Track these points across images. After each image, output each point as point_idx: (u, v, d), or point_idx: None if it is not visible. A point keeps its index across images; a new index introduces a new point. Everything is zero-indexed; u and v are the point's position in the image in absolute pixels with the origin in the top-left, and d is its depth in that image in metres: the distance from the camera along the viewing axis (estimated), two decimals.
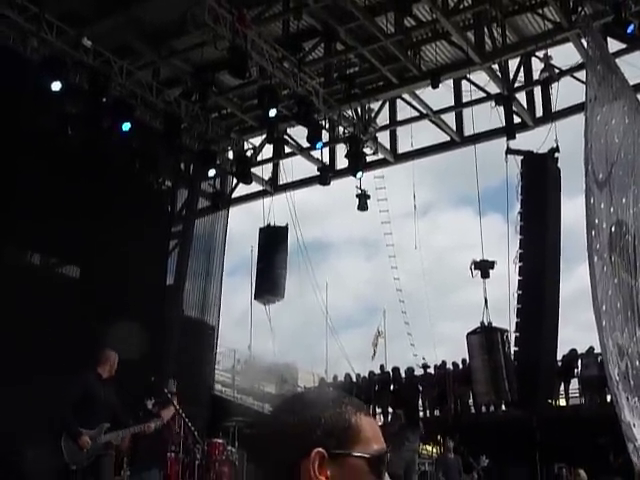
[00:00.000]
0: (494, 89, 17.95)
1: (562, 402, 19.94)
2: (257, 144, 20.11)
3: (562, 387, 19.74)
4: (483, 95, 18.32)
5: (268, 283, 20.26)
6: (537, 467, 18.11)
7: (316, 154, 19.87)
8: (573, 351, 19.61)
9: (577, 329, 46.97)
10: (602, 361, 18.11)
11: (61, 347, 14.25)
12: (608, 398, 18.14)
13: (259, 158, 20.76)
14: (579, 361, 19.53)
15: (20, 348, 13.64)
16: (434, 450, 20.53)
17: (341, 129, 18.31)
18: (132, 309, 16.16)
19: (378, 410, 20.99)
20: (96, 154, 16.45)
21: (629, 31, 14.71)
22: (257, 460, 1.59)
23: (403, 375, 21.60)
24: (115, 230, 16.43)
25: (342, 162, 19.64)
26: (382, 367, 23.33)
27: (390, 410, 19.92)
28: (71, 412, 8.89)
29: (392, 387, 21.75)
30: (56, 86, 14.14)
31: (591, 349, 19.27)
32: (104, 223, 16.52)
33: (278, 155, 20.64)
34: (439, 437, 19.51)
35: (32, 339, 13.87)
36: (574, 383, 19.89)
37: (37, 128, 15.37)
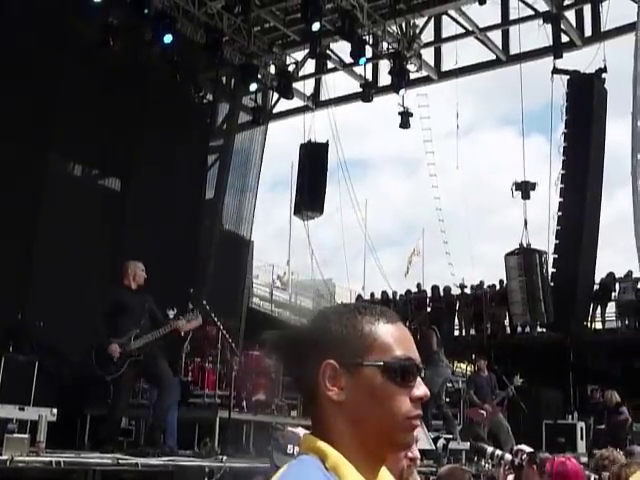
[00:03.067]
0: (542, 7, 17.45)
1: (598, 325, 19.99)
2: (299, 59, 19.88)
3: (599, 310, 19.75)
4: (531, 13, 17.85)
5: (308, 199, 20.30)
6: (570, 388, 18.29)
7: (359, 70, 19.60)
8: (611, 275, 19.57)
9: (616, 253, 46.74)
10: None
11: (100, 258, 14.56)
12: None
13: (301, 73, 20.54)
14: (617, 285, 19.50)
15: (60, 258, 13.93)
16: (468, 368, 20.77)
17: (385, 45, 17.99)
18: (171, 222, 16.34)
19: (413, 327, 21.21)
20: (138, 66, 16.46)
21: None
22: (288, 374, 1.64)
23: (441, 294, 21.76)
24: (155, 143, 16.53)
25: (385, 79, 19.44)
26: (419, 285, 23.50)
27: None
28: (102, 323, 9.13)
29: (429, 305, 21.94)
30: None
31: (629, 273, 19.22)
32: (144, 136, 16.63)
33: (320, 70, 20.37)
34: (473, 356, 19.71)
35: (72, 250, 14.15)
36: (611, 307, 19.89)
37: (80, 38, 15.38)
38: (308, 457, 1.48)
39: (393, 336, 1.52)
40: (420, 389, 1.52)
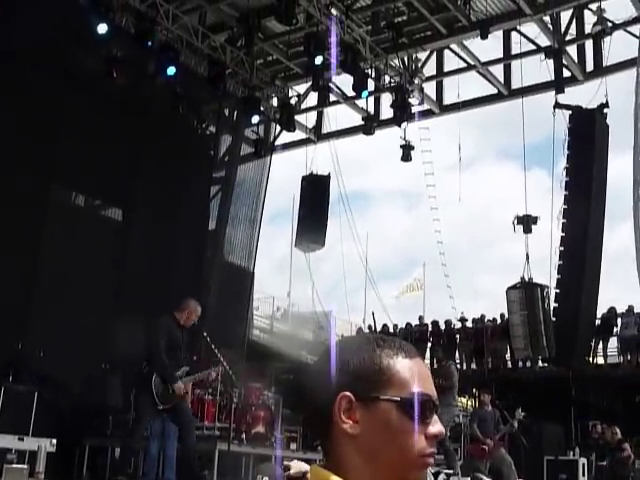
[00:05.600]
0: (544, 42, 17.62)
1: (600, 360, 19.89)
2: (302, 92, 20.01)
3: (601, 345, 19.65)
4: (533, 48, 18.00)
5: (309, 231, 20.30)
6: (572, 423, 18.16)
7: (361, 103, 19.74)
8: (612, 309, 19.49)
9: (618, 287, 46.62)
10: None
11: (101, 289, 14.55)
12: None
13: (303, 106, 20.67)
14: (618, 320, 19.43)
15: (61, 288, 13.93)
16: (469, 403, 20.64)
17: (387, 78, 18.11)
18: (173, 252, 16.34)
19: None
20: (141, 98, 16.54)
21: None
22: (295, 406, 1.60)
23: (442, 327, 21.71)
24: (158, 174, 16.58)
25: (387, 112, 19.52)
26: (421, 318, 23.43)
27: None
28: (165, 356, 9.16)
29: (429, 339, 21.86)
30: (102, 29, 14.15)
31: (631, 308, 19.15)
32: (147, 167, 16.68)
33: (323, 103, 20.51)
34: (474, 390, 19.59)
35: (73, 281, 14.14)
36: (613, 342, 19.79)
37: (83, 70, 15.47)
38: None
39: (411, 371, 1.49)
40: (436, 427, 1.49)
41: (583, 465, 15.69)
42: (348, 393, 1.46)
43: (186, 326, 9.56)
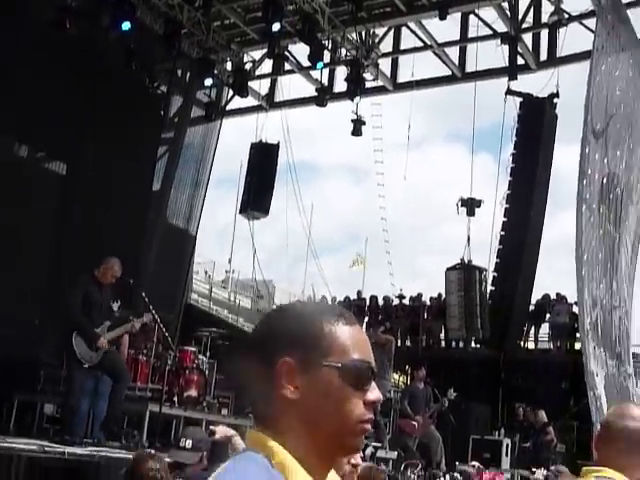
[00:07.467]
0: (501, 27, 17.68)
1: (531, 345, 20.28)
2: (257, 58, 19.84)
3: (533, 330, 20.05)
4: (489, 32, 18.06)
5: (254, 199, 20.24)
6: (499, 405, 18.53)
7: (315, 74, 19.64)
8: (546, 296, 19.88)
9: (554, 275, 47.54)
10: (573, 309, 18.46)
11: (41, 242, 14.34)
12: (576, 345, 18.50)
13: (257, 72, 20.49)
14: (551, 307, 19.81)
15: (1, 239, 13.70)
16: (401, 379, 20.89)
17: (343, 51, 18.06)
18: (115, 211, 16.14)
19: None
20: (93, 51, 16.19)
21: None
22: (231, 372, 1.60)
23: (380, 303, 21.90)
24: (105, 130, 16.30)
25: (340, 85, 19.46)
26: (359, 293, 23.59)
27: None
28: (82, 314, 9.14)
29: (367, 314, 22.03)
30: None
31: (561, 296, 19.54)
32: (94, 122, 16.38)
33: (277, 71, 20.39)
34: (407, 367, 19.83)
35: (15, 233, 13.90)
36: (545, 328, 20.21)
37: (34, 19, 15.09)
38: (253, 453, 1.46)
39: (352, 338, 1.50)
40: (374, 393, 1.51)
41: (507, 445, 16.02)
42: (289, 359, 1.47)
43: (104, 283, 9.51)
